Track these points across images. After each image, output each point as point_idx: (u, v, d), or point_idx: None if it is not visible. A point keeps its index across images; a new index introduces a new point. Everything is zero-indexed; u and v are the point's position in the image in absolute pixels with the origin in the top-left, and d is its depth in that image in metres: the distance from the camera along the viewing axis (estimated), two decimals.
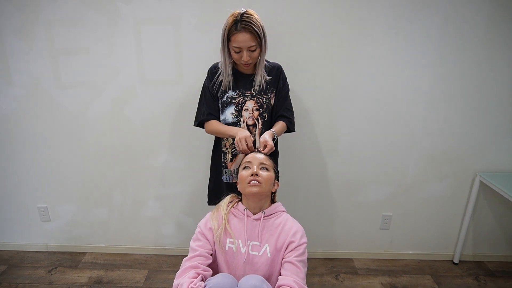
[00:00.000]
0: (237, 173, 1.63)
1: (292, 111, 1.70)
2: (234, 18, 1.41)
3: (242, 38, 1.41)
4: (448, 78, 1.91)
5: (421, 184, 2.14)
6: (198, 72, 1.88)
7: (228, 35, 1.44)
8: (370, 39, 1.84)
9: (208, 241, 1.29)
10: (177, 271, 1.23)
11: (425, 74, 1.90)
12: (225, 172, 1.67)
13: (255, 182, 1.27)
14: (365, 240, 2.29)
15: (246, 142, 1.45)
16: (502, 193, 1.87)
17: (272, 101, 1.64)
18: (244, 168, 1.33)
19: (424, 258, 2.31)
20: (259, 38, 1.44)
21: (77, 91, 1.95)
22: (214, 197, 1.74)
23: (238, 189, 1.37)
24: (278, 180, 1.40)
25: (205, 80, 1.65)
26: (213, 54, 1.84)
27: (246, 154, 1.43)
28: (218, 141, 1.69)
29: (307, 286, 1.23)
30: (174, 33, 1.83)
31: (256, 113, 1.60)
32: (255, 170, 1.29)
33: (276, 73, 1.62)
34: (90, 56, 1.88)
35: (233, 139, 1.60)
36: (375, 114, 1.99)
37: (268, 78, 1.59)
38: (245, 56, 1.45)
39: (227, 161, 1.66)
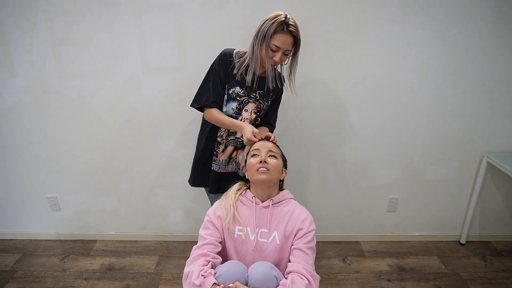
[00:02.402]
0: (229, 162, 1.67)
1: (276, 120, 1.75)
2: (283, 19, 1.40)
3: (286, 40, 1.42)
4: (454, 60, 1.87)
5: (428, 167, 2.13)
6: (201, 58, 1.86)
7: (273, 32, 1.40)
8: (376, 22, 1.80)
9: (217, 229, 1.30)
10: (187, 257, 1.25)
11: (431, 57, 1.87)
12: (214, 160, 1.67)
13: (264, 169, 1.28)
14: (372, 223, 2.30)
15: (255, 136, 1.44)
16: (510, 173, 1.86)
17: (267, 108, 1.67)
18: (252, 156, 1.33)
19: (431, 239, 2.33)
20: (296, 45, 1.47)
21: (81, 81, 1.94)
22: (197, 179, 1.74)
23: (247, 177, 1.37)
24: (286, 168, 1.40)
25: (215, 64, 1.57)
26: (216, 39, 1.82)
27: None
28: (214, 129, 1.65)
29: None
30: (176, 19, 1.80)
31: (254, 116, 1.61)
32: (263, 157, 1.29)
33: (280, 82, 1.64)
34: (92, 45, 1.86)
35: (234, 132, 1.62)
36: (381, 98, 1.96)
37: (277, 84, 1.62)
38: (278, 57, 1.45)
39: (218, 150, 1.66)
